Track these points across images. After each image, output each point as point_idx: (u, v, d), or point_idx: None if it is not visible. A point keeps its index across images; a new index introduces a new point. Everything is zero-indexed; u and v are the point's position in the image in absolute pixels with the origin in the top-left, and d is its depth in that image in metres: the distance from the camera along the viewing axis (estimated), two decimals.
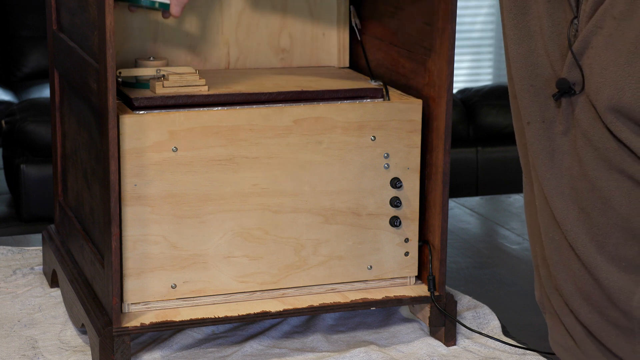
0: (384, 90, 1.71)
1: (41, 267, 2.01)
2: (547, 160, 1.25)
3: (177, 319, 1.60)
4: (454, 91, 3.91)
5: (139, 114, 1.57)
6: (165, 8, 1.64)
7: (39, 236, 2.20)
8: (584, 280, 1.24)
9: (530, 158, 1.30)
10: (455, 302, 1.73)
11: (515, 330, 1.79)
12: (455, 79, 1.79)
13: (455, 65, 1.72)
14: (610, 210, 1.20)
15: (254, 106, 1.62)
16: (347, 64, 1.93)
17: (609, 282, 1.21)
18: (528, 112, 1.28)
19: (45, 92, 5.05)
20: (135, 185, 1.56)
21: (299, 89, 1.67)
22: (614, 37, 1.16)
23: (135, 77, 1.66)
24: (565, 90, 1.22)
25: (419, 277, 1.77)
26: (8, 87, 5.26)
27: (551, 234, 1.28)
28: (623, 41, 1.16)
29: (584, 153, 1.21)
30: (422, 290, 1.73)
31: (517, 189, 4.02)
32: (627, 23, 1.15)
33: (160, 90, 1.61)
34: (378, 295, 1.70)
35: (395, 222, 1.69)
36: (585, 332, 1.26)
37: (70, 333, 1.74)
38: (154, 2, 1.63)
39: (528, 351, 1.70)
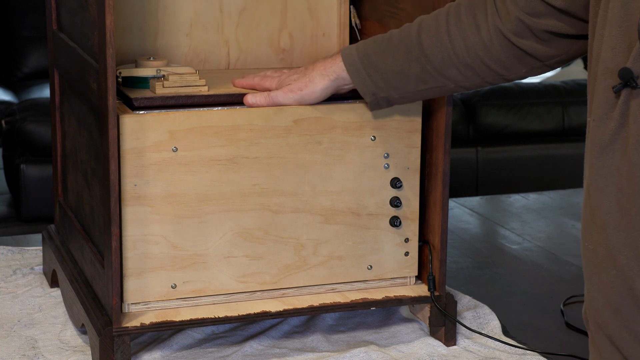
0: None
1: (41, 267, 2.01)
2: (598, 157, 1.22)
3: (177, 319, 1.60)
4: None
5: (139, 114, 1.57)
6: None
7: (39, 236, 2.20)
8: (614, 290, 1.21)
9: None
10: (455, 302, 1.73)
11: (515, 330, 1.79)
12: None
13: None
14: None
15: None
16: None
17: None
18: (589, 104, 1.25)
19: (45, 92, 5.06)
20: (135, 185, 1.56)
21: None
22: None
23: (135, 77, 1.66)
24: (626, 82, 1.18)
25: (419, 277, 1.77)
26: (8, 87, 5.27)
27: (586, 242, 1.25)
28: None
29: (635, 152, 1.18)
30: (422, 290, 1.73)
31: (517, 189, 4.02)
32: None
33: (160, 90, 1.61)
34: (378, 295, 1.70)
35: (395, 222, 1.70)
36: (614, 349, 1.24)
37: (70, 333, 1.74)
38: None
39: (528, 351, 1.70)
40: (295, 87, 1.61)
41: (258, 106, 1.62)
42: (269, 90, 1.64)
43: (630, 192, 1.19)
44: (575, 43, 1.46)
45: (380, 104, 1.60)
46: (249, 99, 1.62)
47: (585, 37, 1.42)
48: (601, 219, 1.22)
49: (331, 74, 1.60)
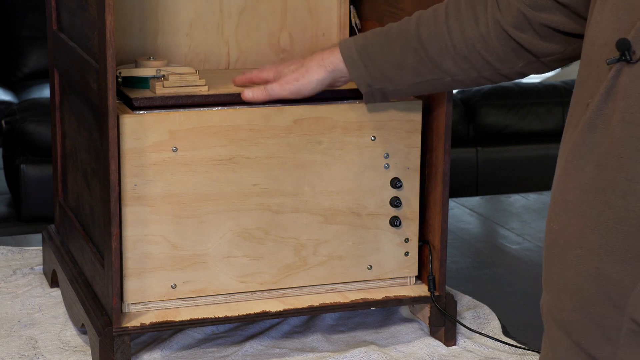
0: None
1: (41, 267, 2.01)
2: (581, 136, 1.21)
3: (177, 319, 1.60)
4: (454, 91, 3.91)
5: (139, 114, 1.57)
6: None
7: (39, 236, 2.20)
8: (576, 270, 1.19)
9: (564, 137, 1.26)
10: (455, 302, 1.73)
11: (515, 330, 1.79)
12: None
13: None
14: (632, 194, 1.15)
15: (254, 106, 1.62)
16: None
17: (608, 272, 1.17)
18: (577, 88, 1.25)
19: (45, 92, 5.06)
20: (135, 185, 1.56)
21: None
22: None
23: (135, 77, 1.66)
24: (622, 53, 1.16)
25: (419, 277, 1.77)
26: (8, 87, 5.26)
27: (552, 223, 1.25)
28: None
29: (620, 129, 1.16)
30: (422, 290, 1.73)
31: (517, 189, 4.02)
32: None
33: (160, 90, 1.61)
34: (378, 295, 1.70)
35: (395, 222, 1.70)
36: (563, 335, 1.23)
37: (70, 333, 1.74)
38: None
39: (528, 351, 1.70)
40: (291, 78, 1.61)
41: (256, 100, 1.62)
42: (267, 81, 1.64)
43: (608, 169, 1.17)
44: (574, 42, 1.46)
45: (375, 96, 1.60)
46: (246, 93, 1.62)
47: (583, 36, 1.42)
48: (575, 197, 1.21)
49: (328, 65, 1.60)
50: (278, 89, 1.61)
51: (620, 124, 1.16)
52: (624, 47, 1.16)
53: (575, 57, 1.49)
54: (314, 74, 1.61)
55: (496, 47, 1.50)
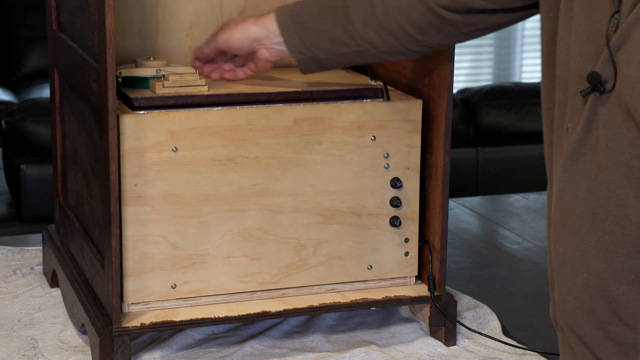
0: (384, 90, 1.71)
1: (41, 267, 2.01)
2: (570, 162, 1.23)
3: (177, 319, 1.60)
4: (454, 91, 3.91)
5: (139, 114, 1.57)
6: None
7: (39, 236, 2.20)
8: (587, 293, 1.21)
9: (554, 164, 1.28)
10: (455, 302, 1.73)
11: (515, 330, 1.79)
12: (455, 79, 1.79)
13: (455, 65, 1.72)
14: (625, 218, 1.17)
15: (254, 106, 1.62)
16: None
17: (616, 295, 1.19)
18: (560, 108, 1.25)
19: (45, 92, 5.06)
20: (135, 185, 1.56)
21: (299, 89, 1.67)
22: None
23: (135, 77, 1.66)
24: (594, 86, 1.17)
25: (419, 277, 1.77)
26: (8, 87, 5.26)
27: (557, 246, 1.25)
28: None
29: (605, 157, 1.18)
30: (422, 290, 1.73)
31: (517, 189, 4.02)
32: None
33: (160, 90, 1.61)
34: (378, 295, 1.70)
35: (395, 222, 1.69)
36: (587, 350, 1.24)
37: (70, 333, 1.74)
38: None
39: (528, 351, 1.70)
40: (221, 30, 1.65)
41: (215, 79, 1.68)
42: (210, 53, 1.68)
43: (600, 195, 1.19)
44: (492, 16, 1.48)
45: (308, 64, 1.62)
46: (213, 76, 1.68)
47: (501, 11, 1.45)
48: (573, 223, 1.22)
49: (261, 24, 1.62)
50: (211, 42, 1.65)
51: (605, 151, 1.18)
52: (595, 81, 1.17)
53: (495, 28, 1.52)
54: (247, 26, 1.62)
55: (416, 20, 1.53)
